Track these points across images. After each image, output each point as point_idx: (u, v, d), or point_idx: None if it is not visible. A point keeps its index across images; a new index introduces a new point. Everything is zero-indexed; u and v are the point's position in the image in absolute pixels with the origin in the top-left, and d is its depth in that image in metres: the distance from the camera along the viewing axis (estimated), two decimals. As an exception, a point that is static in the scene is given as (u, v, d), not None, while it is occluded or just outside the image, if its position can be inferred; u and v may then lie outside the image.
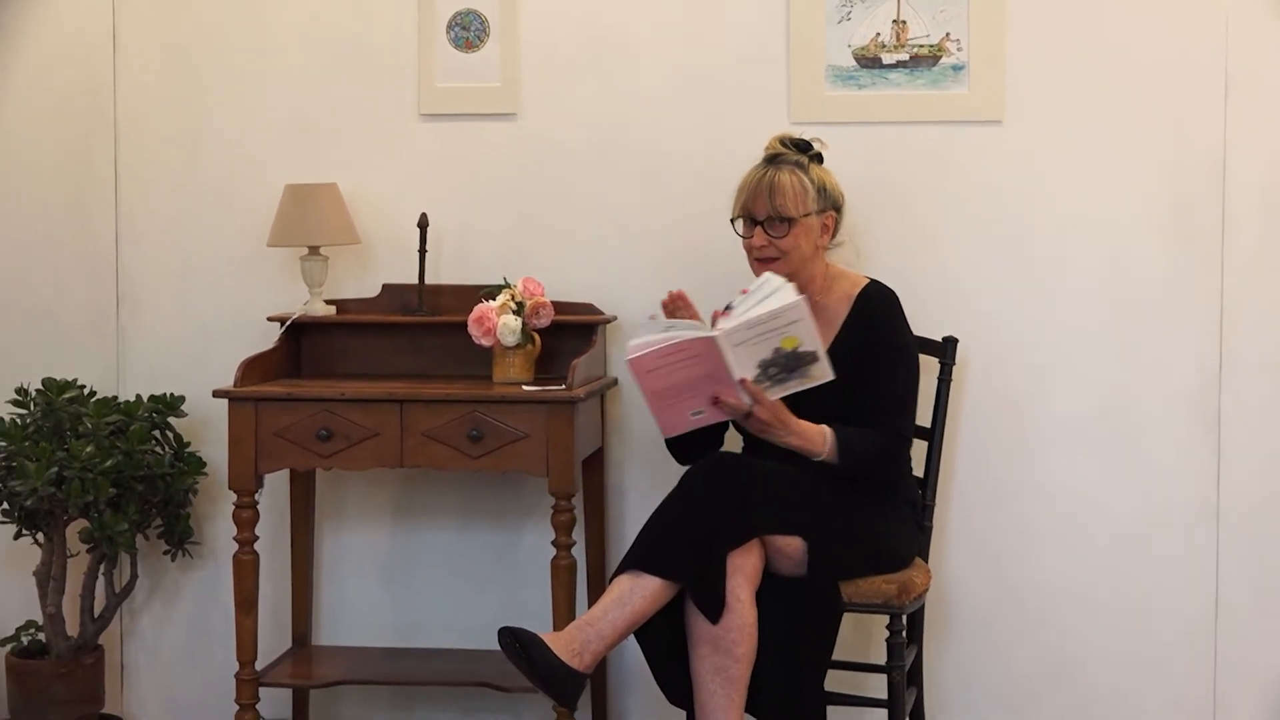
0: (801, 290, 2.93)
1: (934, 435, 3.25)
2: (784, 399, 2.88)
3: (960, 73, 3.37)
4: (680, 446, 3.04)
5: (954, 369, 3.30)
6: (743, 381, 2.80)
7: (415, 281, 3.48)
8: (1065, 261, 3.42)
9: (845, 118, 3.39)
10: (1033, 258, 3.42)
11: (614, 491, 3.54)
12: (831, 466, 2.87)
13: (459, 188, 3.54)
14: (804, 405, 2.91)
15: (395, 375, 3.47)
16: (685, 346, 2.75)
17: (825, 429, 2.89)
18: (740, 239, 3.07)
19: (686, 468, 2.94)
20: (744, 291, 2.79)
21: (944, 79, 3.38)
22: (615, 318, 3.50)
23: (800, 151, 3.06)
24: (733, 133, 3.43)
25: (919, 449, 3.20)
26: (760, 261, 3.02)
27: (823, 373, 2.81)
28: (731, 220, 3.07)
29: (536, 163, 3.52)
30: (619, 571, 2.85)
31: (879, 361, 2.97)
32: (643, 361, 2.76)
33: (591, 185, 3.51)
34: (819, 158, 3.09)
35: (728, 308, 2.78)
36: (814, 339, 2.78)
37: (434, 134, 3.53)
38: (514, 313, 3.31)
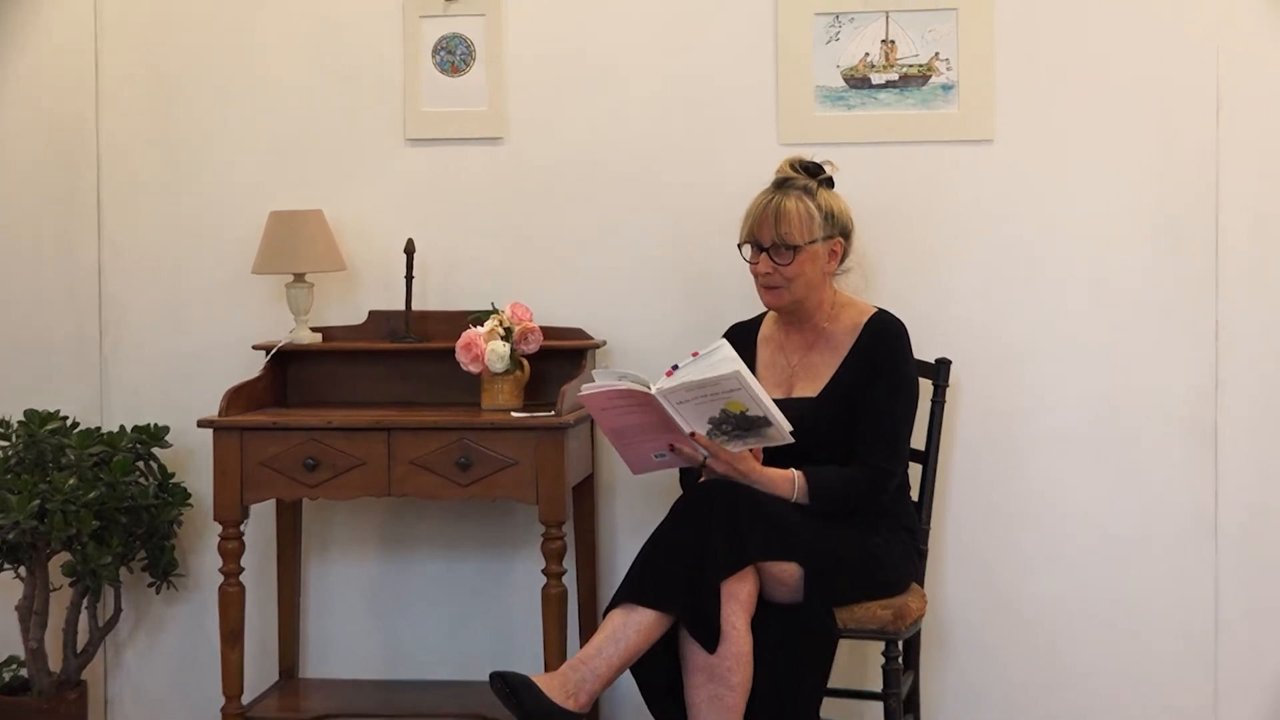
0: (808, 318, 3.00)
1: (928, 458, 3.24)
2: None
3: (950, 92, 3.37)
4: (682, 470, 3.04)
5: (947, 390, 3.29)
6: (693, 435, 2.82)
7: (402, 308, 3.47)
8: (1058, 278, 3.41)
9: (835, 138, 3.39)
10: (1026, 275, 3.41)
11: (605, 518, 3.52)
12: (806, 508, 2.87)
13: (446, 212, 3.53)
14: (802, 433, 2.90)
15: (382, 403, 3.46)
16: (630, 394, 2.77)
17: (794, 474, 2.88)
18: (747, 264, 3.06)
19: (679, 495, 2.95)
20: (694, 354, 2.80)
21: (934, 98, 3.38)
22: (605, 342, 3.49)
23: (810, 175, 3.05)
24: (722, 154, 3.44)
25: (915, 471, 3.19)
26: (766, 289, 3.02)
27: (779, 435, 2.81)
28: (739, 245, 3.05)
29: (524, 186, 3.52)
30: (612, 605, 2.83)
31: (876, 391, 2.95)
32: (592, 399, 2.79)
33: (580, 208, 3.50)
34: (829, 182, 3.07)
35: (674, 368, 2.79)
36: (760, 405, 2.77)
37: (420, 158, 3.53)
38: (502, 338, 3.30)
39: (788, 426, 2.85)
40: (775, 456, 2.95)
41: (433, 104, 3.49)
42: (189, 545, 3.61)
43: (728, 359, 2.80)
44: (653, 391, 2.80)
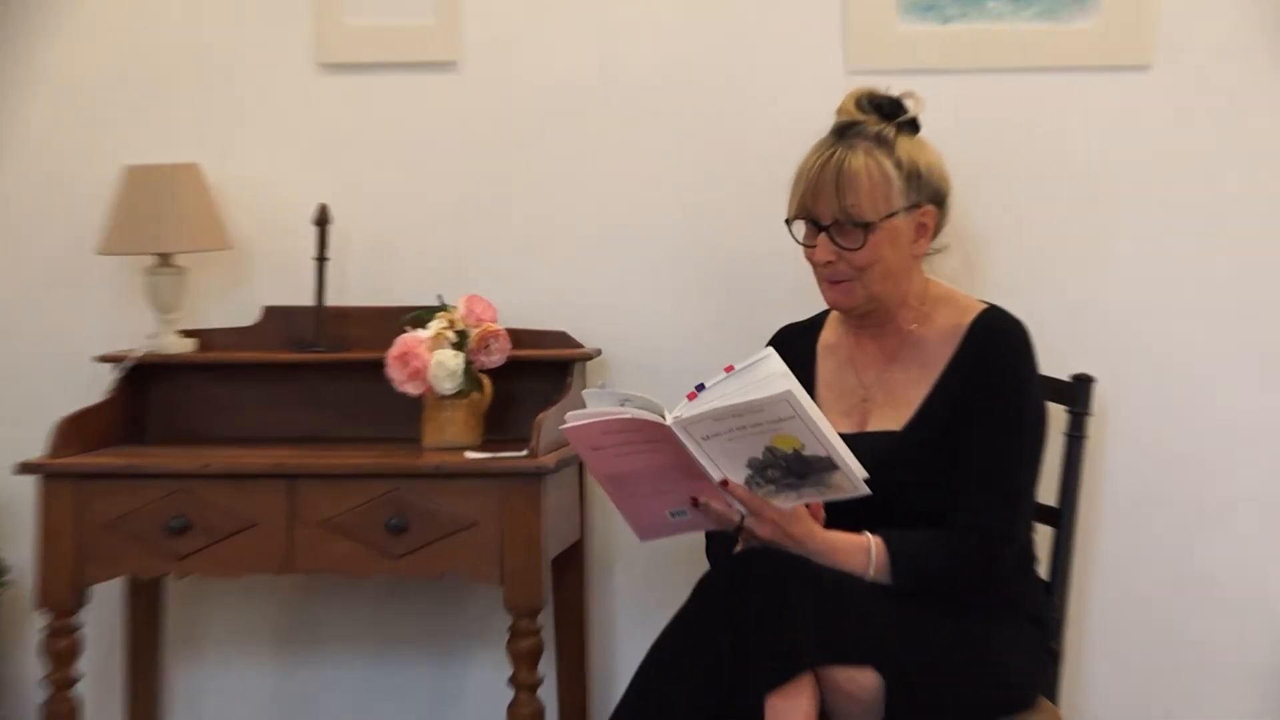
0: (888, 319, 3.03)
1: (1063, 517, 3.23)
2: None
3: (1088, -1, 3.49)
4: (709, 534, 3.06)
5: (1088, 420, 3.25)
6: (726, 484, 2.83)
7: (311, 303, 3.50)
8: (1252, 262, 3.44)
9: (923, 63, 3.41)
10: (1202, 257, 3.45)
11: (599, 604, 3.56)
12: (888, 588, 2.87)
13: (375, 169, 3.57)
14: (881, 481, 2.84)
15: (282, 439, 3.49)
16: (636, 426, 2.80)
17: (869, 541, 2.88)
18: (800, 246, 3.04)
19: (704, 571, 2.91)
20: (729, 369, 2.80)
21: (1064, 7, 3.43)
22: (599, 352, 3.51)
23: (885, 117, 3.02)
24: (764, 88, 3.47)
25: (1044, 537, 3.16)
26: (830, 284, 3.02)
27: (848, 484, 2.83)
28: (787, 221, 3.03)
29: (485, 132, 3.55)
30: (607, 731, 2.81)
31: (986, 422, 2.94)
32: (581, 434, 2.81)
33: (565, 163, 3.54)
34: (913, 126, 3.05)
35: (700, 388, 2.80)
36: (822, 441, 2.79)
37: (339, 92, 3.57)
38: (453, 346, 3.30)
39: (861, 472, 2.82)
40: (842, 515, 2.92)
41: (358, 15, 3.55)
42: (3, 640, 3.62)
43: (776, 375, 2.77)
44: (669, 422, 2.79)
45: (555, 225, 3.52)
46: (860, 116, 3.02)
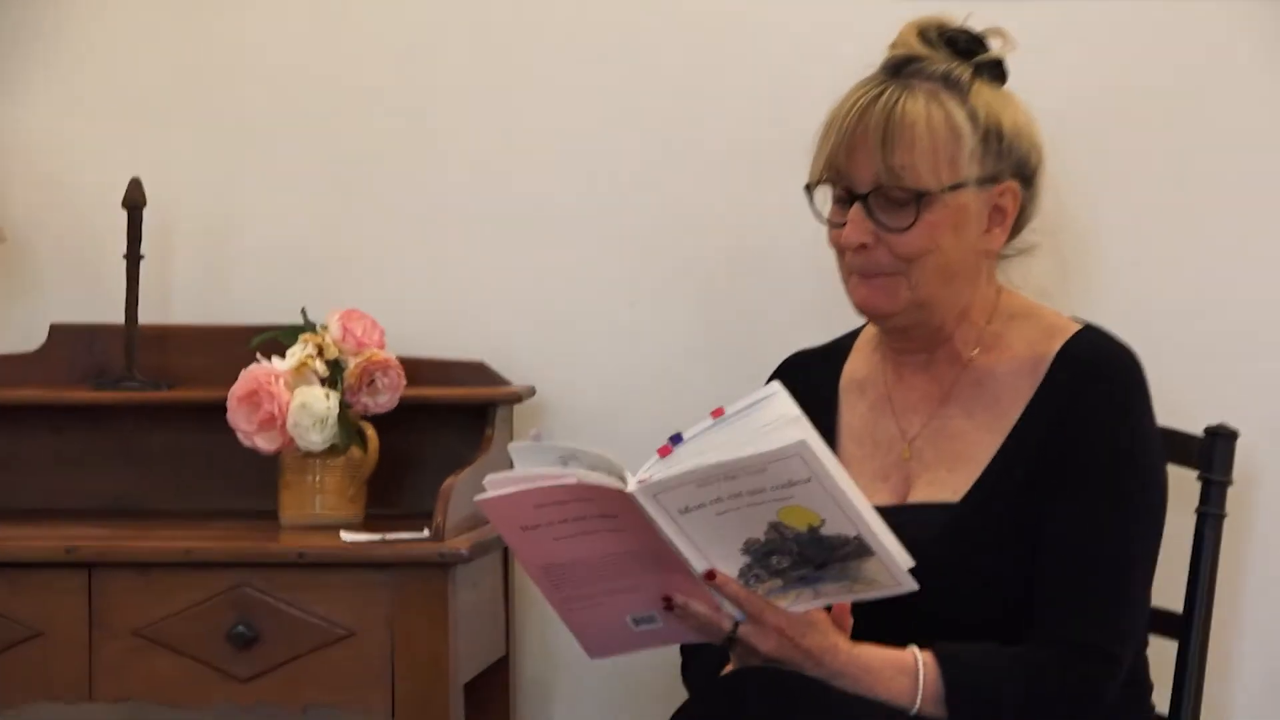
0: (941, 339, 2.99)
1: (1190, 628, 3.19)
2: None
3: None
4: (688, 648, 3.05)
5: (1228, 491, 3.20)
6: (711, 576, 2.77)
7: (119, 320, 3.49)
8: None
9: None
10: None
11: None
12: None
13: (208, 132, 3.58)
14: (926, 578, 2.81)
15: (80, 510, 3.51)
16: (585, 494, 2.75)
17: (917, 660, 2.84)
18: (826, 226, 3.00)
19: (680, 702, 2.87)
20: (716, 414, 2.76)
21: None
22: (532, 391, 3.53)
23: (960, 55, 2.97)
24: (774, 7, 3.50)
25: (1160, 654, 3.10)
26: (861, 278, 2.95)
27: (885, 576, 2.79)
28: (807, 188, 2.96)
29: (367, 76, 3.59)
30: None
31: (1082, 498, 2.90)
32: (506, 508, 2.79)
33: (484, 113, 3.55)
34: (996, 71, 2.99)
35: (675, 439, 2.77)
36: (848, 514, 2.74)
37: (159, 21, 3.56)
38: (324, 382, 3.31)
39: (906, 560, 2.73)
40: (877, 622, 2.87)
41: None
42: None
43: (786, 420, 2.69)
44: (631, 489, 2.71)
45: (467, 212, 3.54)
46: (924, 51, 2.97)
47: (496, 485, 2.76)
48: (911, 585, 2.75)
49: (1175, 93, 3.48)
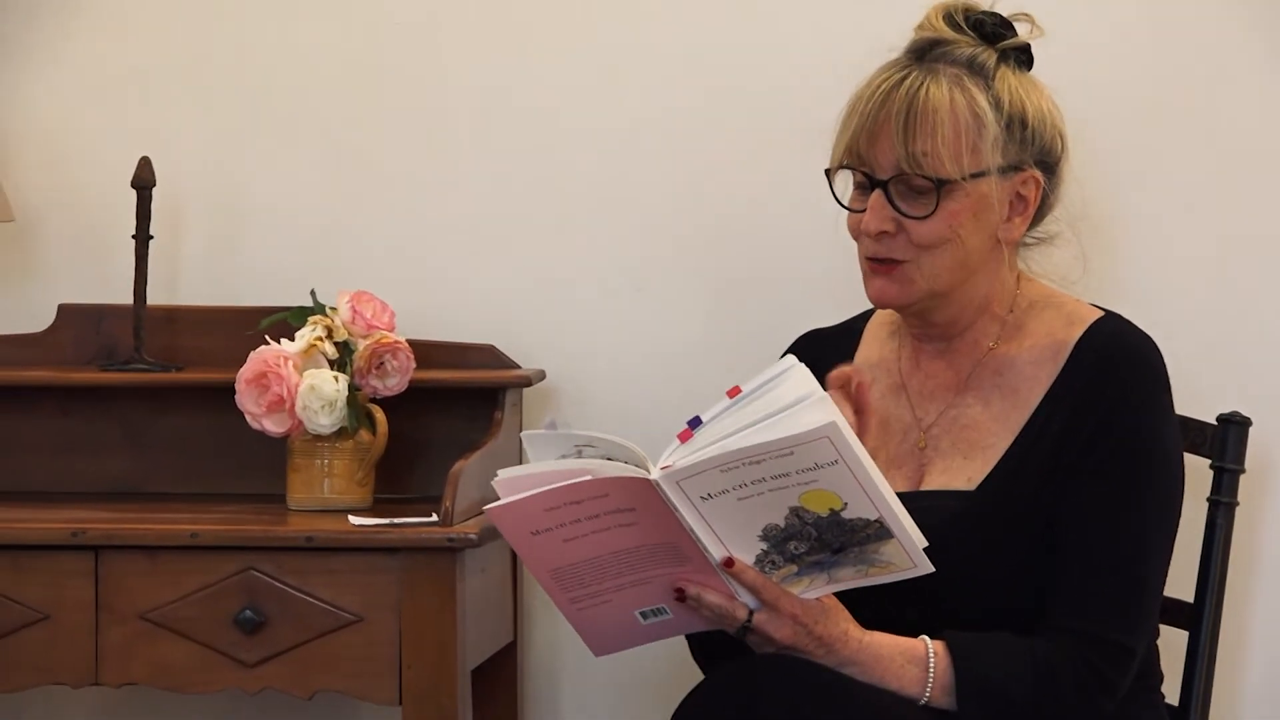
0: (960, 328, 3.00)
1: (1202, 620, 3.21)
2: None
3: None
4: (698, 636, 3.02)
5: (1240, 480, 3.21)
6: (727, 564, 2.77)
7: (127, 300, 3.49)
8: None
9: None
10: None
11: None
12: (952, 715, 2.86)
13: (217, 111, 3.58)
14: (945, 558, 2.83)
15: (86, 494, 3.50)
16: (603, 489, 2.71)
17: (928, 649, 2.85)
18: (844, 212, 3.00)
19: (690, 687, 2.86)
20: (733, 393, 2.76)
21: None
22: (543, 375, 3.53)
23: (985, 39, 2.98)
24: None
25: (1172, 645, 3.11)
26: (876, 266, 2.95)
27: (902, 559, 2.80)
28: (827, 172, 2.97)
29: (377, 55, 3.57)
30: None
31: (1099, 487, 2.90)
32: (516, 515, 2.75)
33: (496, 96, 3.54)
34: (1023, 55, 3.01)
35: (694, 423, 2.75)
36: (871, 496, 2.75)
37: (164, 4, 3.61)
38: (333, 365, 3.31)
39: (920, 540, 2.73)
40: (889, 607, 2.89)
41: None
42: None
43: (809, 400, 2.70)
44: (654, 477, 2.68)
45: (478, 194, 3.54)
46: (950, 34, 2.97)
47: (508, 484, 2.75)
48: (928, 567, 2.75)
49: (1200, 82, 3.47)
